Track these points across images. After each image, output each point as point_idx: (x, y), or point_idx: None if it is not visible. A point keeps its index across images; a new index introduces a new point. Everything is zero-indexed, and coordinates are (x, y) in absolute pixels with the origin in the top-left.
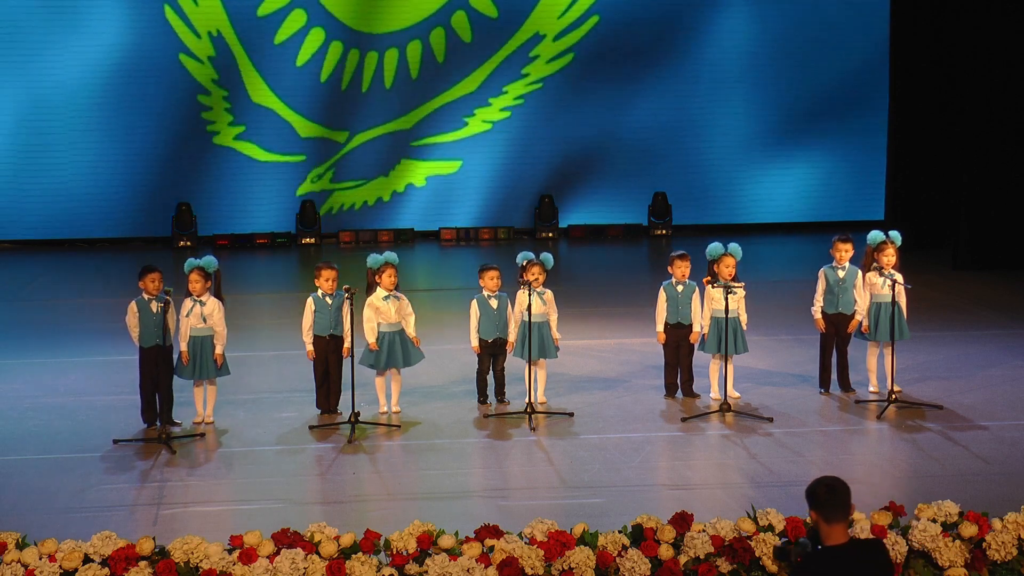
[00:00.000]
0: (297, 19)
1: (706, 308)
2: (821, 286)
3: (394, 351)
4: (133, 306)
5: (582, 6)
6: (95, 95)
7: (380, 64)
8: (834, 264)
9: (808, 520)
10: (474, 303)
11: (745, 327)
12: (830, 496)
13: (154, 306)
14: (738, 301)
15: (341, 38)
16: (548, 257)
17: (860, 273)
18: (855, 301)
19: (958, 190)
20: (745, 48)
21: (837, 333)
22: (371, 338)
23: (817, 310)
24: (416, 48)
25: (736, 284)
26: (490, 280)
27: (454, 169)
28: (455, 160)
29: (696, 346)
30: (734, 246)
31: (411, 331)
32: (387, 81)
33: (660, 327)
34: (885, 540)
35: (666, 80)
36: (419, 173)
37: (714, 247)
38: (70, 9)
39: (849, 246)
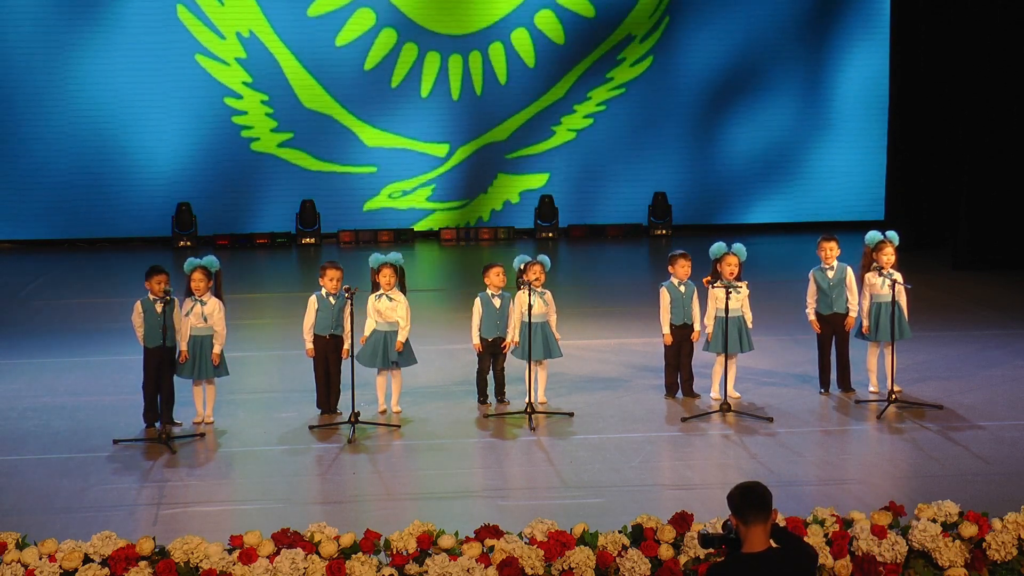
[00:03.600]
0: (366, 20)
1: (710, 308)
2: (812, 288)
3: (383, 350)
4: (139, 306)
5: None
6: (96, 94)
7: (466, 69)
8: (822, 265)
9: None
10: (477, 301)
11: (751, 326)
12: (743, 498)
13: (159, 306)
14: (742, 300)
15: (416, 40)
16: (546, 259)
17: (850, 271)
18: (848, 299)
19: (958, 190)
20: (745, 50)
21: (835, 333)
22: (365, 332)
23: (811, 312)
24: (499, 51)
25: (738, 283)
26: (495, 277)
27: (543, 182)
28: (543, 173)
29: (703, 346)
30: (738, 246)
31: (400, 336)
32: (477, 88)
33: (666, 328)
34: (885, 540)
35: (667, 80)
36: (513, 188)
37: (717, 246)
38: (77, 8)
39: (834, 244)
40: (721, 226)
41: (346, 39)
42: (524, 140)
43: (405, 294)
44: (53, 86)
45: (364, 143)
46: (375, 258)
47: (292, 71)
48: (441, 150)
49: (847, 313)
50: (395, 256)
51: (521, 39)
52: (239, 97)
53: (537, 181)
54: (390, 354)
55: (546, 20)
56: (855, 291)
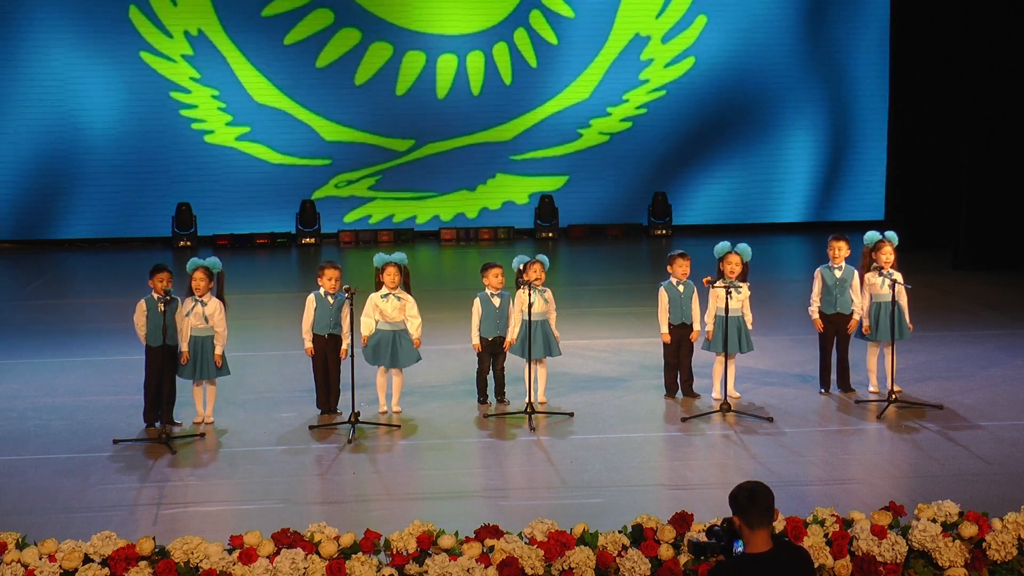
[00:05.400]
0: (325, 17)
1: (711, 307)
2: (818, 286)
3: (384, 349)
4: (142, 304)
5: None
6: (94, 92)
7: (462, 69)
8: (830, 264)
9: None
10: (476, 301)
11: (751, 326)
12: (751, 500)
13: (161, 306)
14: (742, 300)
15: (388, 38)
16: (545, 258)
17: (857, 273)
18: (853, 300)
19: (958, 190)
20: (745, 50)
21: (837, 333)
22: (364, 332)
23: (815, 310)
24: (504, 52)
25: (739, 283)
26: (494, 278)
27: (559, 185)
28: (562, 175)
29: (702, 345)
30: (743, 246)
31: (412, 333)
32: (474, 88)
33: (665, 328)
34: (885, 540)
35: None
36: (519, 189)
37: (721, 245)
38: (68, 6)
39: (844, 244)
40: (721, 226)
41: (298, 34)
42: (536, 141)
43: (409, 294)
44: (51, 86)
45: (322, 137)
46: (379, 258)
47: (241, 68)
48: (403, 145)
49: (850, 314)
50: (399, 256)
51: (522, 41)
52: (187, 92)
53: (553, 184)
54: (393, 353)
55: (540, 22)
56: (860, 295)
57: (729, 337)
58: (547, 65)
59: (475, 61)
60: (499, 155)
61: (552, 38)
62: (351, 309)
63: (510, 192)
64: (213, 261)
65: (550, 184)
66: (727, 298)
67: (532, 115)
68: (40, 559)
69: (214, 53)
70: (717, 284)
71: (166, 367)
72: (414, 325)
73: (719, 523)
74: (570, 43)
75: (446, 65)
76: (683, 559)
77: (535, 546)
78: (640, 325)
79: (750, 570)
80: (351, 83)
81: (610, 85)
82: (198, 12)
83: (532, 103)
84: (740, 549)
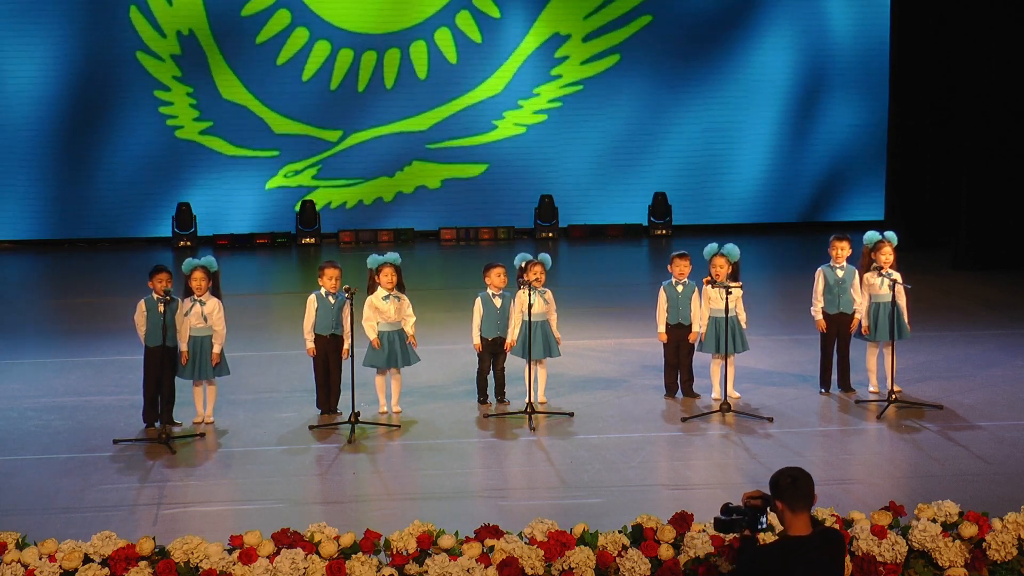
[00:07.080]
0: (281, 19)
1: (704, 307)
2: (820, 286)
3: (393, 350)
4: (142, 305)
5: (622, 6)
6: (92, 93)
7: (380, 65)
8: (832, 263)
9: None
10: (478, 300)
11: (745, 326)
12: (793, 486)
13: (160, 306)
14: (735, 301)
15: (330, 38)
16: (547, 257)
17: (857, 273)
18: (854, 300)
19: (958, 190)
20: (745, 49)
21: (838, 333)
22: (372, 335)
23: (817, 310)
24: (422, 49)
25: (733, 284)
26: (496, 277)
27: (477, 173)
28: (480, 164)
29: (696, 346)
30: (729, 247)
31: (409, 331)
32: (388, 82)
33: (662, 327)
34: (885, 540)
35: (667, 80)
36: (434, 176)
37: (709, 248)
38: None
39: (846, 244)
40: (721, 226)
41: (264, 37)
42: (454, 131)
43: (404, 293)
44: (52, 86)
45: (272, 130)
46: (373, 259)
47: (217, 66)
48: (332, 135)
49: (852, 314)
50: (393, 256)
51: (443, 38)
52: (167, 90)
53: (472, 171)
54: (401, 353)
55: (464, 20)
56: (860, 295)
57: (722, 337)
58: (465, 61)
59: (419, 51)
60: (416, 144)
61: (477, 36)
62: (351, 309)
63: (424, 178)
64: (209, 260)
65: (466, 171)
66: (725, 298)
67: (447, 107)
68: (40, 559)
69: (199, 53)
70: (715, 285)
71: (165, 367)
72: (410, 323)
73: (744, 502)
74: (491, 41)
75: (350, 59)
76: (683, 559)
77: (535, 546)
78: (640, 325)
79: (792, 550)
80: (299, 78)
81: (521, 80)
82: (191, 13)
83: (448, 96)
84: (765, 522)
